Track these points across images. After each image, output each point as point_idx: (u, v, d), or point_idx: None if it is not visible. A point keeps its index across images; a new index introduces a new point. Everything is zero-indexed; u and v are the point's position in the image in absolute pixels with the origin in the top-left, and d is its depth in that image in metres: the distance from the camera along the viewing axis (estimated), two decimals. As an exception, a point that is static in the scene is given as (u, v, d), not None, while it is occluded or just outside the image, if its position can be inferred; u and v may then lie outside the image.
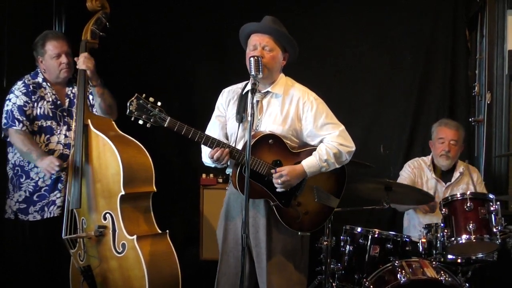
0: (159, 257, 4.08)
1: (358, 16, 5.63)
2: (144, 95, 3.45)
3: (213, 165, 3.70)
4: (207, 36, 5.64)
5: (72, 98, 4.34)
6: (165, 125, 3.46)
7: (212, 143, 3.50)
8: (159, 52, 5.62)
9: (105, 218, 4.06)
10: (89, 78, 4.19)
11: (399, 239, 4.41)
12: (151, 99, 3.46)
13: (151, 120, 3.44)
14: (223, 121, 3.81)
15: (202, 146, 3.63)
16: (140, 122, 3.44)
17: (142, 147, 4.18)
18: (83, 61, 4.16)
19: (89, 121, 4.11)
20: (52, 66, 4.28)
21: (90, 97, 4.33)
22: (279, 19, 3.81)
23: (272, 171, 3.58)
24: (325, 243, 4.28)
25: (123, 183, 3.99)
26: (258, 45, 3.64)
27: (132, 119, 3.45)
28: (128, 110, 3.43)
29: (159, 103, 3.46)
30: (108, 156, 4.05)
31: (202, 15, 5.63)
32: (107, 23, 4.28)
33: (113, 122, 4.24)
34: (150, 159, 4.17)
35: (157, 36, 5.60)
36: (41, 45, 4.27)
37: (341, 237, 4.50)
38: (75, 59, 4.22)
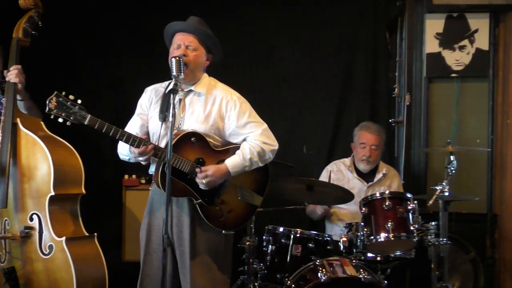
0: (87, 260, 4.02)
1: (282, 18, 5.66)
2: (64, 92, 3.40)
3: (127, 158, 3.72)
4: (132, 34, 5.57)
5: None
6: (86, 123, 3.42)
7: (134, 141, 3.47)
8: (81, 50, 5.52)
9: (31, 219, 3.97)
10: (18, 92, 4.07)
11: (320, 238, 4.45)
12: (71, 96, 3.41)
13: (71, 118, 3.39)
14: (145, 119, 3.80)
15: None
16: (60, 120, 3.39)
17: (73, 148, 4.12)
18: (16, 74, 4.01)
19: (18, 120, 4.00)
20: None
21: None
22: (205, 20, 3.82)
23: (197, 169, 3.58)
24: (247, 243, 4.30)
25: (53, 184, 3.92)
26: (182, 44, 3.64)
27: (52, 117, 3.39)
28: (47, 108, 3.38)
29: (79, 101, 3.42)
30: (38, 157, 3.96)
31: (127, 12, 5.57)
32: (40, 22, 4.18)
33: (42, 123, 4.14)
34: (80, 161, 4.12)
35: (81, 34, 5.50)
36: None
37: (264, 237, 4.52)
38: (5, 72, 4.10)
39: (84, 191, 4.12)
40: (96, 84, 5.51)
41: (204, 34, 3.71)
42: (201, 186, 3.60)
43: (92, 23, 5.54)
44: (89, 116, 3.42)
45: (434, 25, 5.64)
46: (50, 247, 3.94)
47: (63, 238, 3.91)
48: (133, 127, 3.76)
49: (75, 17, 5.47)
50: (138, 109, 3.86)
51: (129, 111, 3.93)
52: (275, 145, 3.78)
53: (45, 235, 3.96)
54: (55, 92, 3.39)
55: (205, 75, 3.82)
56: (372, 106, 5.68)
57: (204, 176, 3.57)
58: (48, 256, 3.95)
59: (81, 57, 5.53)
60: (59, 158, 3.98)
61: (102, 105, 5.12)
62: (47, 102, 3.38)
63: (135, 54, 5.57)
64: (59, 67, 5.37)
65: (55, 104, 3.38)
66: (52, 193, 3.92)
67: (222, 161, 3.67)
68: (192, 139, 3.62)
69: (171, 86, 3.51)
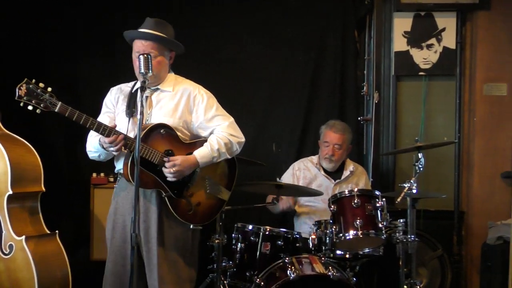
0: (49, 258, 4.00)
1: (251, 15, 5.65)
2: (34, 80, 3.35)
3: (97, 154, 3.71)
4: (93, 33, 5.51)
5: None
6: (56, 110, 3.38)
7: (104, 129, 3.46)
8: (44, 50, 5.46)
9: (-10, 219, 3.94)
10: None
11: (289, 236, 4.45)
12: (41, 84, 3.37)
13: (42, 105, 3.35)
14: (112, 117, 3.80)
15: (89, 136, 3.64)
16: (30, 107, 3.34)
17: (30, 146, 4.08)
18: None
19: None
20: None
21: None
22: (170, 18, 3.81)
23: (165, 159, 3.59)
24: (216, 241, 4.28)
25: (11, 183, 3.89)
26: (143, 52, 3.62)
27: (22, 104, 3.34)
28: (17, 95, 3.32)
29: (49, 89, 3.38)
30: (-6, 155, 3.92)
31: (89, 11, 5.50)
32: None
33: None
34: (39, 159, 4.07)
35: (42, 33, 5.44)
36: None
37: (233, 235, 4.51)
38: None
39: (43, 189, 4.09)
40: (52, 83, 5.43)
41: (161, 40, 3.72)
42: (169, 177, 3.60)
43: (52, 20, 5.48)
44: (59, 103, 3.38)
45: (402, 23, 5.68)
46: (10, 246, 3.91)
47: (23, 237, 3.88)
48: None
49: (34, 12, 5.41)
50: (104, 108, 3.86)
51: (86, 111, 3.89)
52: (242, 137, 3.85)
53: (5, 235, 3.92)
54: (25, 79, 3.34)
55: (171, 74, 3.86)
56: (341, 104, 5.70)
57: (172, 165, 3.58)
58: (9, 256, 3.91)
59: (38, 55, 5.44)
60: (16, 157, 3.94)
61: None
62: (17, 89, 3.32)
63: (92, 54, 5.53)
64: (15, 64, 5.28)
65: (25, 91, 3.33)
66: (10, 192, 3.89)
67: (191, 153, 3.70)
68: (161, 131, 3.64)
69: (138, 85, 3.54)
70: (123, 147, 3.54)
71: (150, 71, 3.43)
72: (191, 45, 3.86)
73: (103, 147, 3.59)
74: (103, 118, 3.79)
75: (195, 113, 3.78)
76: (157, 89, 3.77)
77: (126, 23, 3.92)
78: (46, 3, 5.40)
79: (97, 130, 3.46)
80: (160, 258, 3.66)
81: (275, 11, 5.66)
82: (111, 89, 3.90)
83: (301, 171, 5.07)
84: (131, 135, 3.59)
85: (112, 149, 3.55)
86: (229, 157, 3.80)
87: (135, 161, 3.29)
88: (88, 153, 3.80)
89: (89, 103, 4.12)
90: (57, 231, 4.09)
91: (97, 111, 3.85)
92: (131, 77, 3.79)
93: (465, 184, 5.73)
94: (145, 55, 3.44)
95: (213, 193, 3.76)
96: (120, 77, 3.95)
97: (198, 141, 3.78)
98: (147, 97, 3.73)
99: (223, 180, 3.88)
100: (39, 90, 3.34)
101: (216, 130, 3.78)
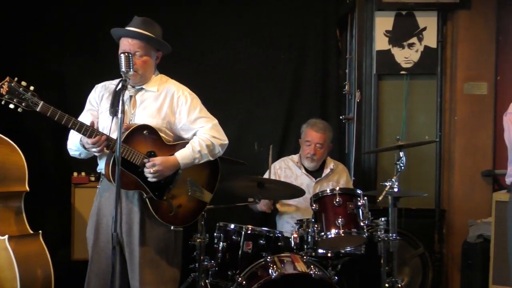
0: (32, 258, 3.98)
1: (233, 14, 5.64)
2: (16, 78, 3.32)
3: (77, 153, 3.69)
4: (78, 29, 5.47)
5: None
6: (38, 110, 3.35)
7: (86, 130, 3.44)
8: (28, 46, 5.41)
9: (-27, 218, 3.91)
10: None
11: (271, 235, 4.45)
12: (24, 83, 3.34)
13: (23, 104, 3.32)
14: (95, 115, 3.77)
15: (70, 133, 3.61)
16: (11, 106, 3.31)
17: (15, 145, 4.06)
18: None
19: None
20: None
21: None
22: (154, 16, 3.80)
23: (145, 160, 3.57)
24: (198, 240, 4.26)
25: (-5, 182, 3.86)
26: (128, 50, 3.61)
27: (3, 102, 3.31)
28: None
29: (31, 88, 3.35)
30: (-22, 155, 3.89)
31: (73, 7, 5.46)
32: None
33: None
34: (24, 158, 4.05)
35: (26, 31, 5.39)
36: None
37: (215, 234, 4.50)
38: None
39: (28, 189, 4.07)
40: (36, 80, 5.39)
41: (148, 39, 3.71)
42: (149, 177, 3.58)
43: (36, 17, 5.43)
44: (41, 102, 3.35)
45: (383, 22, 5.69)
46: (-7, 246, 3.88)
47: (6, 237, 3.85)
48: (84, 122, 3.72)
49: (17, 9, 5.36)
50: (87, 106, 3.83)
51: (71, 109, 3.87)
52: (225, 140, 3.82)
53: (-12, 234, 3.89)
54: (7, 78, 3.31)
55: (157, 74, 3.84)
56: (322, 103, 5.71)
57: (152, 165, 3.56)
58: (-9, 256, 3.88)
59: (22, 52, 5.40)
60: (0, 156, 3.91)
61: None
62: None
63: (78, 51, 5.49)
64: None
65: (7, 89, 3.30)
66: None
67: (173, 154, 3.68)
68: (144, 132, 3.61)
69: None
70: (105, 148, 3.52)
71: (132, 70, 3.41)
72: (173, 45, 3.84)
73: (84, 147, 3.57)
74: (86, 115, 3.76)
75: (178, 114, 3.75)
76: (142, 88, 3.74)
77: (111, 20, 3.89)
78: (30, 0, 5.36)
79: (79, 131, 3.44)
80: (142, 258, 3.64)
81: (257, 10, 5.66)
82: (96, 86, 3.86)
83: (282, 170, 5.08)
84: (114, 134, 3.55)
85: (94, 150, 3.54)
86: (211, 159, 3.78)
87: (117, 161, 3.28)
88: (69, 150, 3.77)
89: (74, 101, 4.09)
90: (40, 231, 4.08)
91: (82, 108, 3.82)
92: (116, 74, 3.75)
93: (446, 182, 5.76)
94: (127, 54, 3.42)
95: (194, 195, 3.73)
96: (105, 75, 3.91)
97: (181, 143, 3.76)
98: (131, 96, 3.72)
99: (205, 182, 3.85)
100: (21, 89, 3.31)
101: (199, 132, 3.76)
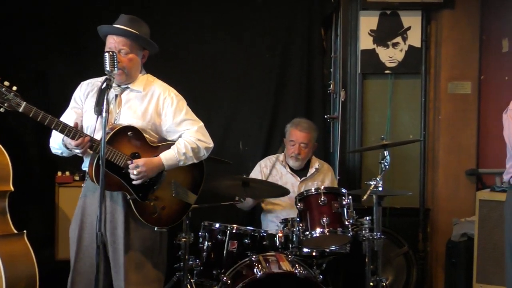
0: (16, 257, 3.97)
1: (217, 14, 5.64)
2: None
3: (60, 151, 3.65)
4: (62, 26, 5.44)
5: None
6: (20, 110, 3.30)
7: (69, 131, 3.40)
8: (11, 46, 5.35)
9: (-42, 218, 3.89)
10: None
11: (256, 234, 4.44)
12: (6, 83, 3.30)
13: (5, 104, 3.27)
14: (79, 113, 3.73)
15: (53, 131, 3.55)
16: None
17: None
18: None
19: None
20: None
21: None
22: (137, 14, 3.77)
23: (129, 162, 3.54)
24: (183, 239, 4.25)
25: (-21, 182, 3.83)
26: (114, 48, 3.60)
27: None
28: None
29: (14, 88, 3.30)
30: (-38, 155, 3.86)
31: (56, 4, 5.44)
32: None
33: None
34: (8, 158, 4.02)
35: (9, 29, 5.35)
36: None
37: (200, 233, 4.49)
38: None
39: (12, 188, 4.04)
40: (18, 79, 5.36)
41: (135, 37, 3.67)
42: (133, 178, 3.56)
43: (19, 15, 5.40)
44: (24, 103, 3.31)
45: (368, 22, 5.71)
46: (-23, 246, 3.85)
47: (-10, 237, 3.83)
48: (67, 121, 3.67)
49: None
50: (72, 103, 3.79)
51: (54, 107, 3.84)
52: (210, 143, 3.80)
53: (-28, 234, 3.87)
54: None
55: (143, 73, 3.80)
56: (307, 102, 5.72)
57: (135, 166, 3.53)
58: (-24, 256, 3.86)
59: (5, 51, 5.33)
60: (-17, 156, 3.89)
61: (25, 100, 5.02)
62: None
63: (61, 48, 5.46)
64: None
65: None
66: None
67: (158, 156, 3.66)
68: (128, 133, 3.58)
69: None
70: (88, 149, 3.50)
71: (116, 69, 3.38)
72: (157, 44, 3.82)
73: (67, 147, 3.54)
74: (70, 113, 3.73)
75: (163, 116, 3.72)
76: (127, 87, 3.71)
77: (94, 17, 3.86)
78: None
79: (62, 132, 3.40)
80: (126, 259, 3.61)
81: (241, 9, 5.66)
82: (82, 83, 3.82)
83: (268, 169, 5.08)
84: (99, 134, 3.50)
85: (77, 151, 3.51)
86: (196, 161, 3.75)
87: (101, 162, 3.26)
88: (51, 148, 3.73)
89: (57, 99, 4.06)
90: (25, 231, 4.05)
91: (65, 107, 3.78)
92: (100, 73, 3.73)
93: (430, 181, 5.78)
94: (111, 53, 3.40)
95: (178, 197, 3.70)
96: (90, 72, 3.88)
97: (166, 144, 3.72)
98: (116, 95, 3.68)
99: (190, 184, 3.82)
100: (3, 89, 3.28)
101: (185, 134, 3.72)
